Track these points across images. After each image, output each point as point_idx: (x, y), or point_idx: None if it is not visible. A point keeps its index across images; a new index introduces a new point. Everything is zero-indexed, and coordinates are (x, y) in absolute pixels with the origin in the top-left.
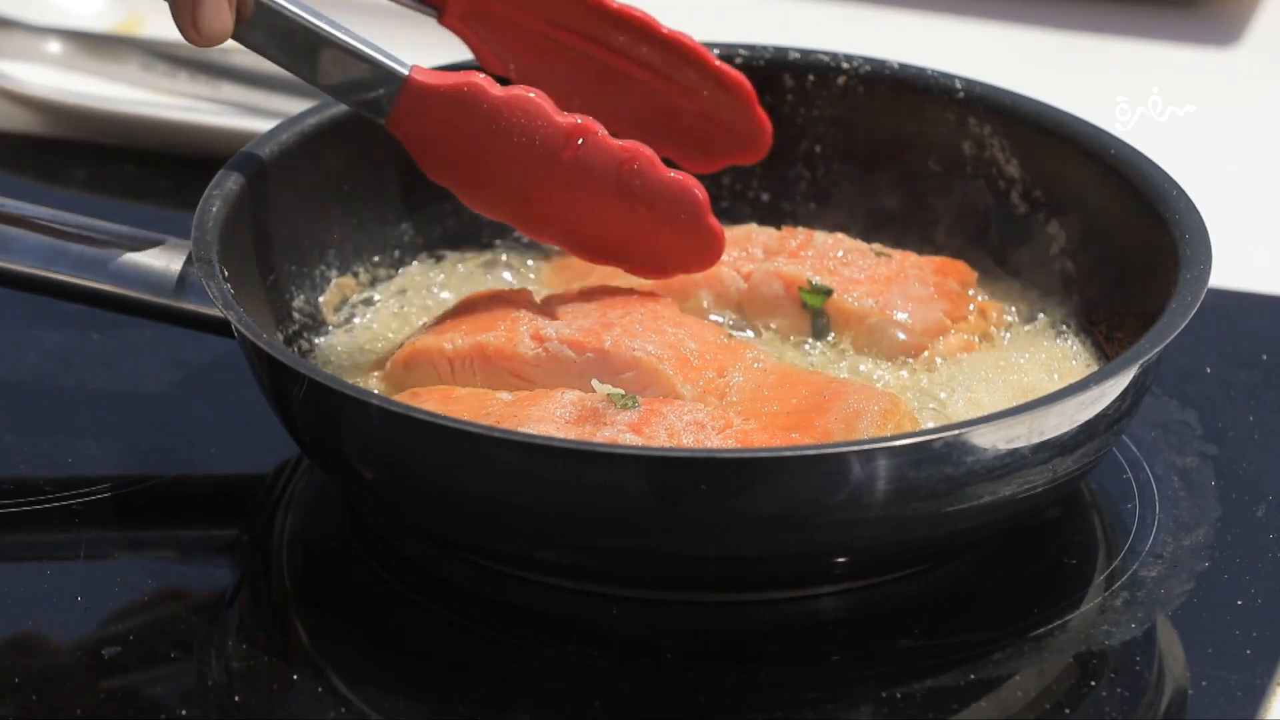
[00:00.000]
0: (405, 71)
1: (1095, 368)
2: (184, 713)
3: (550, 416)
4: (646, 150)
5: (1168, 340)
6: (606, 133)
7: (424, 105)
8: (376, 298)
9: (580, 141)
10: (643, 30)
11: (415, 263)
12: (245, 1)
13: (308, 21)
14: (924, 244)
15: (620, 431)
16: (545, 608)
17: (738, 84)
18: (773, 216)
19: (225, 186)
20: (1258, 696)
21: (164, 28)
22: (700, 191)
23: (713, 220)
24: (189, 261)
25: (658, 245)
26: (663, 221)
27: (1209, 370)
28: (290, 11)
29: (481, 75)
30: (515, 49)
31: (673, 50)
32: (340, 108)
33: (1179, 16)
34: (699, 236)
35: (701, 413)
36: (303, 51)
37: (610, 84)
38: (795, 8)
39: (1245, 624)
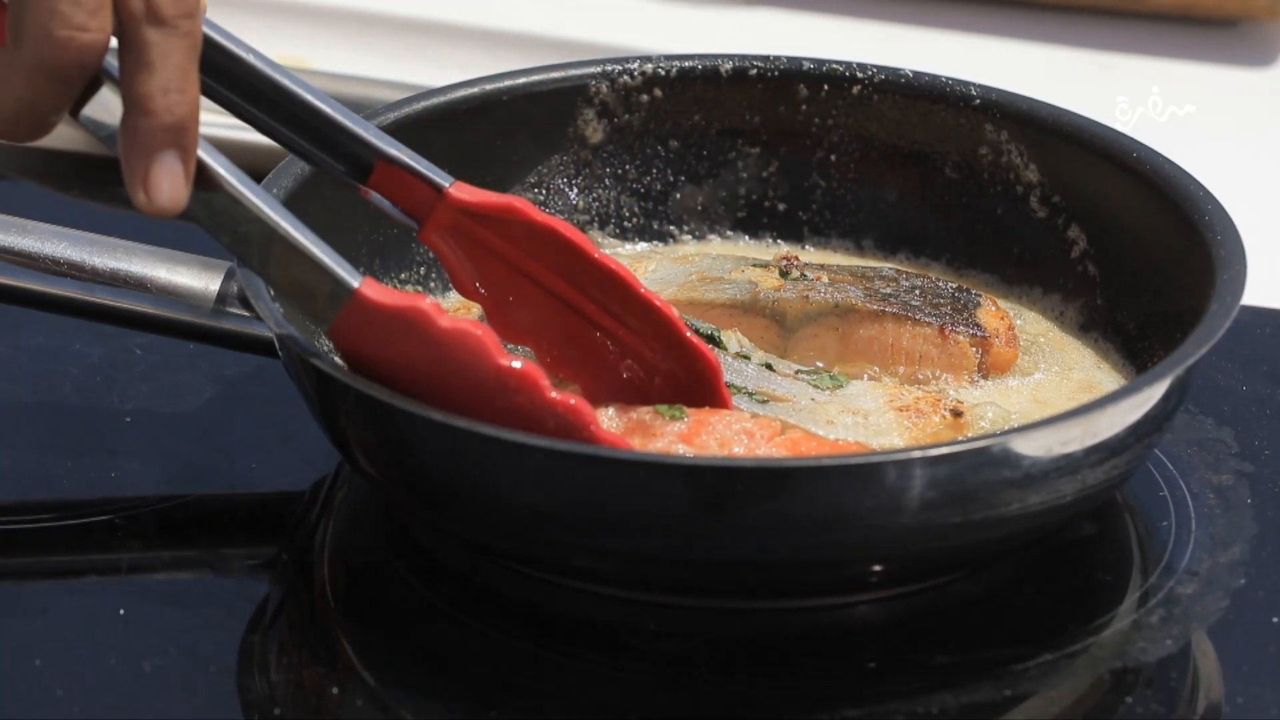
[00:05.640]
0: (355, 284)
1: (1123, 370)
2: None
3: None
4: (585, 406)
5: (1214, 340)
6: (547, 383)
7: (368, 321)
8: None
9: (515, 389)
10: (620, 287)
11: (440, 279)
12: (209, 178)
13: (264, 214)
14: (941, 250)
15: (672, 442)
16: (583, 618)
17: (705, 361)
18: (789, 226)
19: None
20: None
21: None
22: None
23: None
24: (226, 279)
25: None
26: None
27: (1244, 388)
28: (248, 201)
29: (429, 301)
30: (488, 276)
31: (648, 313)
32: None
33: (1215, 36)
34: None
35: (749, 421)
36: (256, 242)
37: (577, 330)
38: (813, 25)
39: None
